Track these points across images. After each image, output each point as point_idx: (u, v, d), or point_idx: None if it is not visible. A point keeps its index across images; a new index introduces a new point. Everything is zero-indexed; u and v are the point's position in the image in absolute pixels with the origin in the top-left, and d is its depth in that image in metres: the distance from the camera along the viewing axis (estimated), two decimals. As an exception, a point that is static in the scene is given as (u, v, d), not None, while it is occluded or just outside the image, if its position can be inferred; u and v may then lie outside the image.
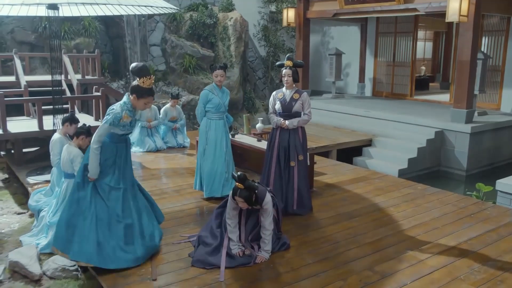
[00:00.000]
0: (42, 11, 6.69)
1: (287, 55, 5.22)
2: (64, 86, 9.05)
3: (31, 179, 6.52)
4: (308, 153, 6.13)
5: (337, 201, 5.79)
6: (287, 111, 5.18)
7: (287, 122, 5.17)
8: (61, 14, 6.64)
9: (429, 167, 9.36)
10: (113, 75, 12.79)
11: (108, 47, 13.04)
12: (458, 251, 4.37)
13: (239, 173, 4.06)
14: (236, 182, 4.04)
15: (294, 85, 5.21)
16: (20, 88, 8.50)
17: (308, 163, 6.06)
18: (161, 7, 6.44)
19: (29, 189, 6.17)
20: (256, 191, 4.04)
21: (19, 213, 6.17)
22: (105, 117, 4.01)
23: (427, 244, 4.50)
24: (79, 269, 4.32)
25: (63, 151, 5.08)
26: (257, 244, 4.22)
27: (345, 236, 4.69)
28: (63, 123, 5.56)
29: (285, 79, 5.12)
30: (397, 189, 6.29)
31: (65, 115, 5.68)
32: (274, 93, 5.35)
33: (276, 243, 4.34)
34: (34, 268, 4.36)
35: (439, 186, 8.08)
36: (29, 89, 8.42)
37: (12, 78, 9.13)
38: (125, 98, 4.03)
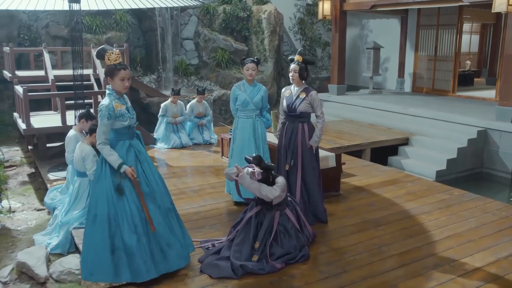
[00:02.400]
0: (65, 5, 6.58)
1: (298, 50, 4.86)
2: (92, 80, 9.01)
3: (51, 175, 6.46)
4: (334, 155, 5.76)
5: (364, 206, 5.38)
6: (292, 111, 4.80)
7: (312, 143, 4.78)
8: (83, 8, 6.51)
9: (470, 169, 8.74)
10: (145, 69, 12.73)
11: (141, 41, 12.98)
12: (496, 269, 3.90)
13: (253, 155, 4.01)
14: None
15: (303, 82, 4.83)
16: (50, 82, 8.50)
17: (335, 165, 5.72)
18: (184, 0, 6.22)
19: (48, 185, 6.11)
20: (273, 171, 4.06)
21: (38, 210, 6.10)
22: (99, 116, 3.66)
23: (460, 259, 4.04)
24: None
25: (76, 148, 4.93)
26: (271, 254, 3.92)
27: (369, 246, 4.30)
28: (79, 120, 5.44)
29: (291, 74, 4.77)
30: (431, 194, 5.81)
31: (81, 111, 5.54)
32: (283, 89, 4.99)
33: (296, 253, 4.01)
34: (41, 270, 4.21)
35: (481, 189, 7.52)
36: (58, 83, 8.41)
37: (42, 73, 9.15)
38: (107, 90, 3.76)
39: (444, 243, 4.38)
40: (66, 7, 6.64)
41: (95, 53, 3.65)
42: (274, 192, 3.96)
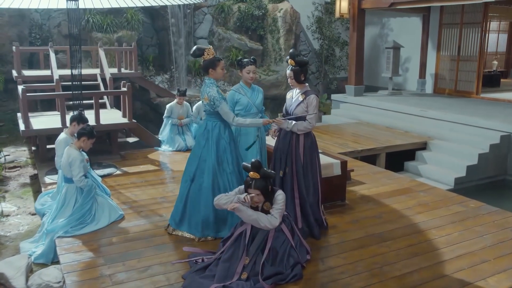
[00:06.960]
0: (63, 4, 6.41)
1: (290, 52, 4.52)
2: (99, 80, 8.86)
3: (48, 178, 6.27)
4: (339, 162, 5.40)
5: (369, 218, 4.99)
6: (289, 114, 4.51)
7: (283, 123, 4.44)
8: (81, 6, 6.31)
9: (492, 176, 8.20)
10: (158, 69, 12.53)
11: (154, 40, 12.79)
12: (511, 295, 3.49)
13: (252, 160, 3.64)
14: (250, 172, 3.62)
15: (306, 85, 4.52)
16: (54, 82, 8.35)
17: (339, 172, 5.35)
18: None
19: (43, 189, 5.91)
20: (271, 179, 3.74)
21: (33, 214, 5.92)
22: (222, 100, 4.24)
23: (472, 283, 3.64)
24: (64, 286, 3.90)
25: (64, 153, 4.70)
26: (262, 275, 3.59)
27: (369, 265, 3.93)
28: (70, 122, 5.21)
29: (289, 81, 4.52)
30: (444, 206, 5.37)
31: (73, 113, 5.32)
32: (287, 92, 4.72)
33: (288, 273, 3.66)
34: (19, 282, 4.00)
35: (503, 198, 7.01)
36: (64, 83, 8.25)
37: (48, 72, 9.03)
38: (210, 80, 4.32)
39: (454, 263, 3.97)
40: (66, 6, 6.48)
41: (192, 53, 4.33)
42: (274, 221, 3.65)
